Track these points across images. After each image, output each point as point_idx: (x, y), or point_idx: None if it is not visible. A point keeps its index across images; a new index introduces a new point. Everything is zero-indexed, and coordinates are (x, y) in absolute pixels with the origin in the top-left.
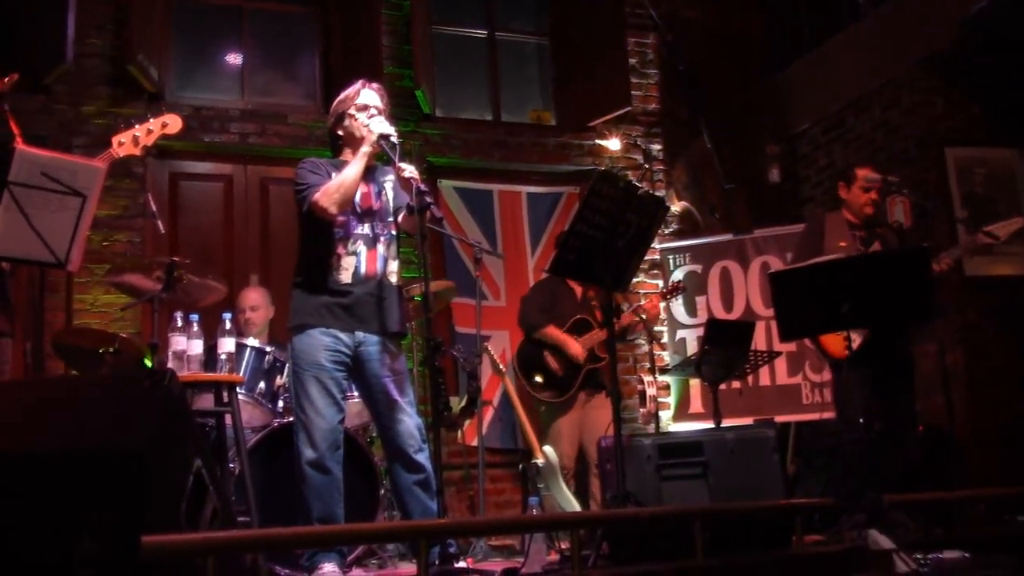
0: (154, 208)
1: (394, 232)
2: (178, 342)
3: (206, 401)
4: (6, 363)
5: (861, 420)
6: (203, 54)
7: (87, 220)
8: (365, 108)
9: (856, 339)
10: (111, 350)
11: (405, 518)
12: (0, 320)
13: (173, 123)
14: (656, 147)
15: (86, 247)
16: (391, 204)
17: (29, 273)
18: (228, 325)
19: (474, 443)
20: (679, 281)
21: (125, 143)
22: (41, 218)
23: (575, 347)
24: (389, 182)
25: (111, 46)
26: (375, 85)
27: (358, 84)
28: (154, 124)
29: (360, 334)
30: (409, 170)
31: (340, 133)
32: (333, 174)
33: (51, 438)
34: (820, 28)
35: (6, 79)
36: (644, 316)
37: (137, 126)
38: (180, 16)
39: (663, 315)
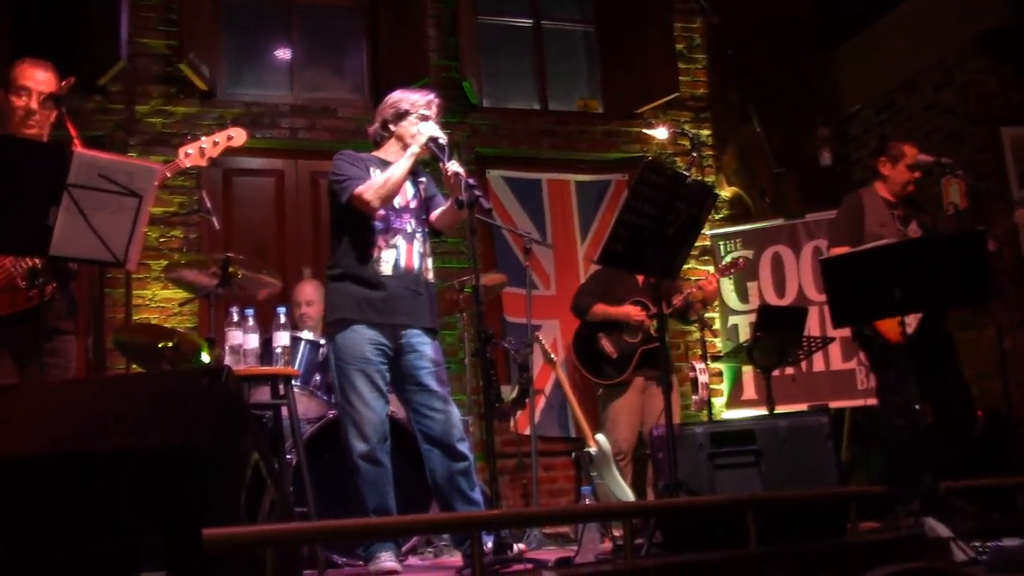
0: (208, 205)
1: (427, 229)
2: (234, 336)
3: (263, 394)
4: (71, 360)
5: (913, 406)
6: (253, 50)
7: (144, 219)
8: (425, 119)
9: (911, 323)
10: (169, 345)
11: (444, 508)
12: (66, 318)
13: (238, 136)
14: (705, 132)
15: (143, 243)
16: (425, 202)
17: (89, 271)
18: (283, 319)
19: (527, 432)
20: (740, 258)
21: (192, 154)
22: (100, 219)
23: (630, 310)
24: (423, 181)
25: (163, 45)
26: (438, 100)
27: (431, 95)
28: (220, 136)
29: (401, 328)
30: (456, 167)
31: (392, 128)
32: (372, 169)
33: (115, 436)
34: (870, 8)
35: (63, 83)
36: (701, 296)
37: (203, 138)
38: (229, 13)
39: (716, 300)
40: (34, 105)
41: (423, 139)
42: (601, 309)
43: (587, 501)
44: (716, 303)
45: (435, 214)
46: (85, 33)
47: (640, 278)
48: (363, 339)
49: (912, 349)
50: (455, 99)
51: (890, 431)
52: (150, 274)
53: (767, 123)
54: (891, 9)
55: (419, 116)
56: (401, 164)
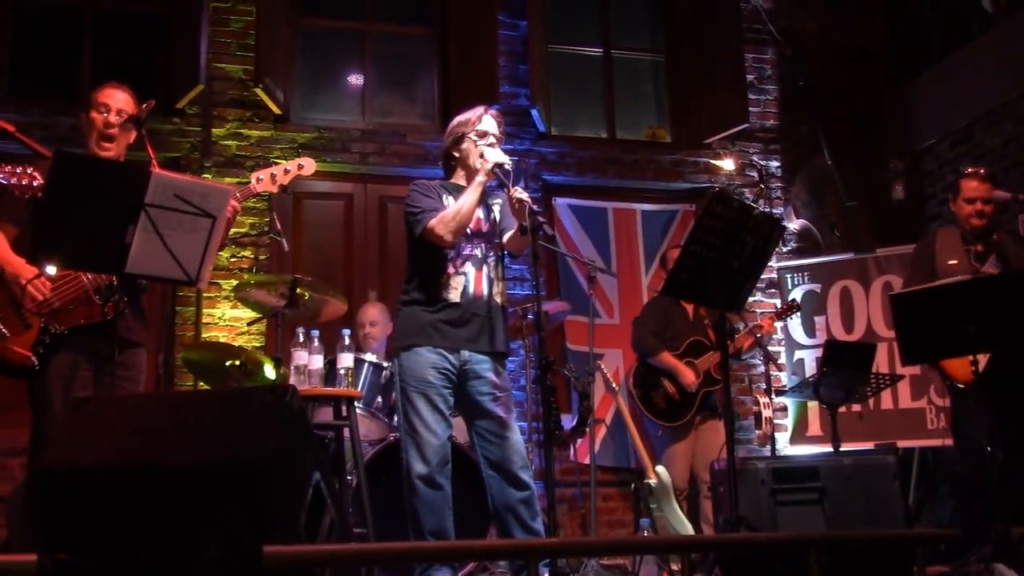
0: (279, 227)
1: (500, 253)
2: (300, 357)
3: (325, 414)
4: (142, 373)
5: (985, 447)
6: (326, 76)
7: (217, 240)
8: (484, 135)
9: (980, 362)
10: (236, 363)
11: (503, 535)
12: (137, 331)
13: (308, 166)
14: (775, 164)
15: (214, 263)
16: (498, 225)
17: (162, 288)
18: (347, 341)
19: (586, 461)
20: (794, 300)
21: (264, 180)
22: (174, 238)
23: (688, 376)
24: (496, 204)
25: (240, 70)
26: (494, 111)
27: (480, 110)
28: (291, 165)
29: (466, 353)
30: (521, 193)
31: (456, 155)
32: (444, 196)
33: (181, 450)
34: (947, 39)
35: (143, 105)
36: (758, 334)
37: (275, 166)
38: (305, 40)
39: (780, 335)
40: (113, 119)
41: (489, 166)
42: (667, 359)
43: (646, 533)
44: (781, 338)
45: (506, 237)
46: (165, 58)
47: (690, 312)
48: (426, 362)
49: (990, 389)
50: (523, 126)
51: (962, 472)
52: (220, 293)
53: (839, 155)
54: (969, 41)
55: (477, 133)
56: (469, 195)
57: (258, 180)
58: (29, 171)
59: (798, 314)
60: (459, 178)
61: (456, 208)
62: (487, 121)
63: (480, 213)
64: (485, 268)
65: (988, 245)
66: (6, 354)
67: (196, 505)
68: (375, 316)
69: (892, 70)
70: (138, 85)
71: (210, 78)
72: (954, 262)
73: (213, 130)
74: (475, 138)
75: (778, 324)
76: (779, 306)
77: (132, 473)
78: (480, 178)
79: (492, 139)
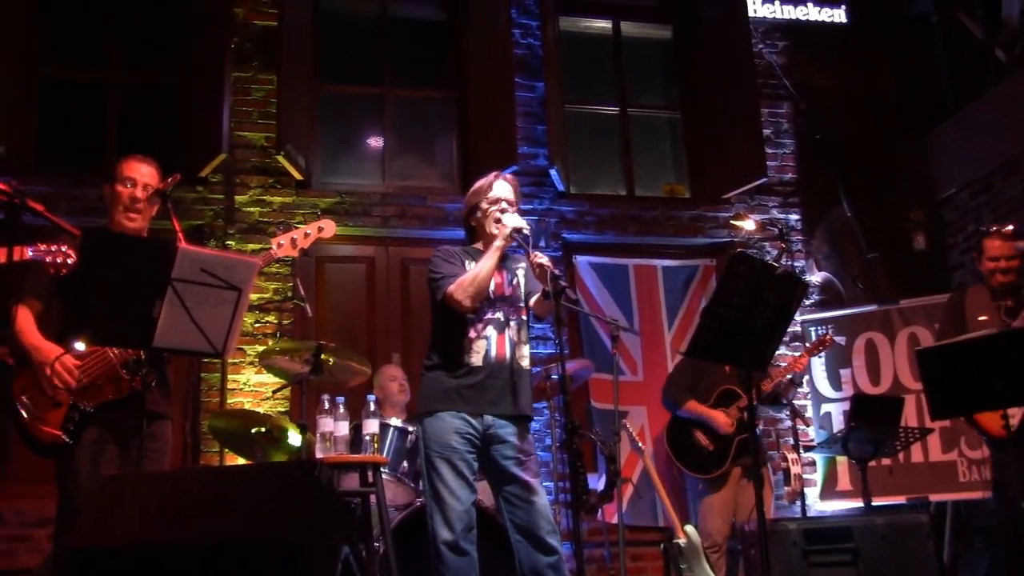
0: (302, 292)
1: (524, 317)
2: (325, 424)
3: (352, 481)
4: (168, 444)
5: (1019, 502)
6: (347, 141)
7: (242, 311)
8: (497, 201)
9: (1016, 416)
10: (262, 430)
11: None
12: (162, 403)
13: (328, 228)
14: (794, 217)
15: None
16: (523, 290)
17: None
18: (372, 407)
19: (614, 521)
20: (827, 334)
21: (284, 245)
22: (201, 311)
23: (720, 418)
24: (521, 268)
25: (261, 138)
26: (508, 176)
27: (491, 176)
28: (311, 228)
29: (489, 417)
30: (542, 257)
31: (473, 224)
32: (466, 262)
33: (210, 527)
34: (963, 89)
35: (169, 179)
36: (791, 377)
37: (295, 230)
38: (325, 106)
39: (806, 388)
40: (139, 194)
41: (507, 231)
42: (694, 407)
43: None
44: (807, 392)
45: (532, 301)
46: (188, 128)
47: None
48: (449, 428)
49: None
50: (542, 186)
51: (998, 526)
52: (245, 359)
53: (858, 207)
54: (985, 91)
55: (489, 200)
56: (487, 260)
57: (279, 245)
58: (64, 249)
59: (830, 350)
60: (481, 244)
61: (473, 273)
62: (499, 187)
63: (504, 277)
64: (507, 332)
65: (1018, 300)
66: (37, 434)
67: None
68: (394, 372)
69: (908, 121)
70: (161, 155)
71: (232, 146)
72: (984, 317)
73: (236, 197)
74: (486, 205)
75: (815, 361)
76: (810, 342)
77: (161, 551)
78: (498, 243)
79: (505, 205)
